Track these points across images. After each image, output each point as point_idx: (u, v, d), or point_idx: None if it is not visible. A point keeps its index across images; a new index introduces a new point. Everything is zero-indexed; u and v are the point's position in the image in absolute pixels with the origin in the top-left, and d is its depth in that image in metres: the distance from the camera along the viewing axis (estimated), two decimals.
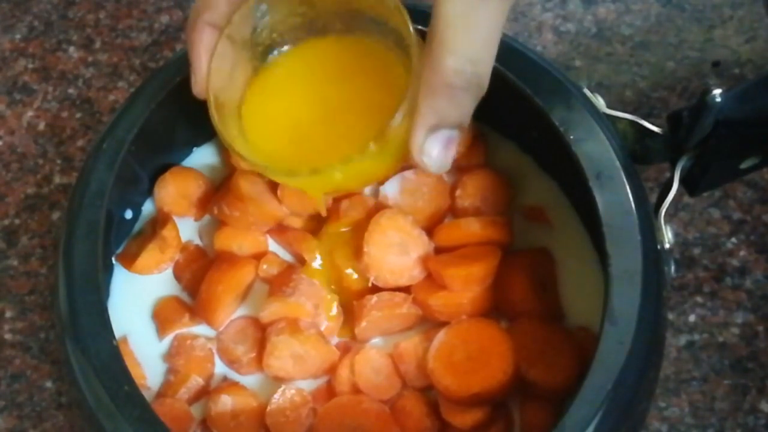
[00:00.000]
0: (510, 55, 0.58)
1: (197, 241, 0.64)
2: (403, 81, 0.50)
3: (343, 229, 0.62)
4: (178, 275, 0.63)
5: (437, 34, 0.46)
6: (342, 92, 0.53)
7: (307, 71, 0.55)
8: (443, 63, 0.46)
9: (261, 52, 0.55)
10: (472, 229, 0.60)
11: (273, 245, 0.63)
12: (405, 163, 0.52)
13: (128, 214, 0.63)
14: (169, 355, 0.60)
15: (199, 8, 0.53)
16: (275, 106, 0.54)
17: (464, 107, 0.48)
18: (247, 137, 0.53)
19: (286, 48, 0.55)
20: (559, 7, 0.76)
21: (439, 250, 0.61)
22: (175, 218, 0.63)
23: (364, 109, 0.53)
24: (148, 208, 0.64)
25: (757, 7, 0.74)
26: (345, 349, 0.60)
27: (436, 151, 0.48)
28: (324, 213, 0.59)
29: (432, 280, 0.60)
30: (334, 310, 0.60)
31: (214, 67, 0.52)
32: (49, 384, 0.65)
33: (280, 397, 0.58)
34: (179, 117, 0.62)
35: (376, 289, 0.60)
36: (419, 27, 0.48)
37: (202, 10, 0.53)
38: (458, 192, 0.62)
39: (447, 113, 0.48)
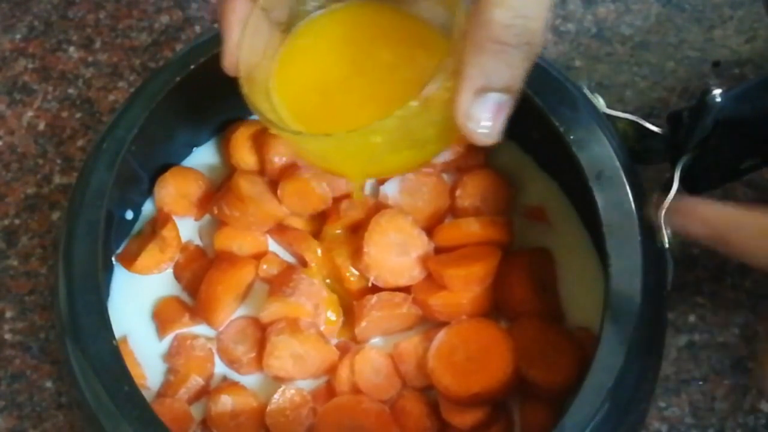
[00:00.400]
0: None
1: (197, 241, 0.64)
2: (441, 45, 0.48)
3: (343, 230, 0.62)
4: (178, 275, 0.63)
5: None
6: (378, 58, 0.51)
7: (340, 37, 0.52)
8: (491, 16, 0.43)
9: (290, 19, 0.52)
10: (472, 229, 0.60)
11: (273, 245, 0.63)
12: (452, 140, 0.49)
13: (129, 215, 0.63)
14: (169, 355, 0.60)
15: None
16: (305, 76, 0.52)
17: (515, 68, 0.44)
18: (277, 113, 0.50)
19: (315, 14, 0.52)
20: (559, 7, 0.76)
21: (439, 250, 0.61)
22: (175, 218, 0.63)
23: (404, 77, 0.49)
24: (148, 208, 0.64)
25: (757, 7, 0.74)
26: (345, 349, 0.60)
27: (484, 117, 0.44)
28: (361, 199, 0.57)
29: (432, 280, 0.60)
30: (333, 316, 0.60)
31: (246, 41, 0.49)
32: (49, 384, 0.65)
33: (280, 397, 0.58)
34: (179, 117, 0.62)
35: (376, 289, 0.60)
36: None
37: None
38: (458, 192, 0.62)
39: (495, 74, 0.44)
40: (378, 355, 0.59)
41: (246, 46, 0.49)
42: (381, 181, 0.63)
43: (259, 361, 0.59)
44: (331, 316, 0.60)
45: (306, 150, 0.51)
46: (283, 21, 0.51)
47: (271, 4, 0.50)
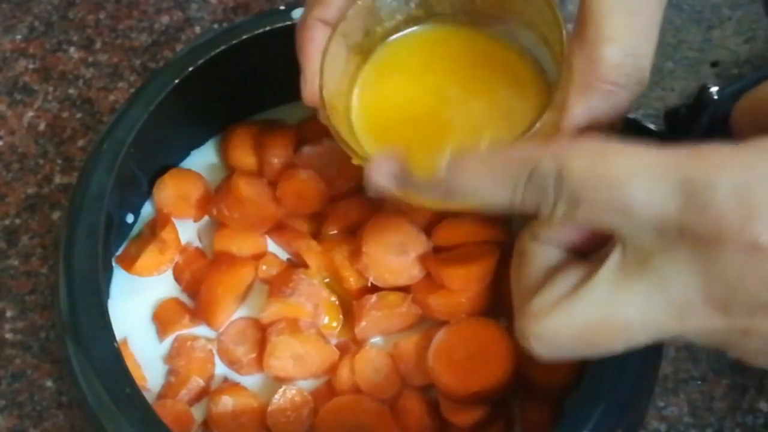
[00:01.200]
0: None
1: (197, 243, 0.64)
2: (531, 73, 0.47)
3: (342, 230, 0.62)
4: (177, 277, 0.63)
5: (594, 19, 0.41)
6: (467, 87, 0.49)
7: (423, 64, 0.51)
8: (603, 54, 0.41)
9: (369, 48, 0.51)
10: (470, 228, 0.60)
11: (272, 246, 0.64)
12: None
13: (129, 218, 0.63)
14: (170, 357, 0.60)
15: (310, 4, 0.49)
16: (389, 106, 0.50)
17: (621, 108, 0.43)
18: (360, 144, 0.49)
19: (392, 39, 0.51)
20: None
21: (437, 249, 0.61)
22: (174, 220, 0.63)
23: (496, 108, 0.48)
24: (147, 209, 0.65)
25: (756, 8, 0.74)
26: (345, 349, 0.60)
27: None
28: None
29: (431, 280, 0.60)
30: (334, 323, 0.61)
31: (327, 70, 0.47)
32: (49, 383, 0.65)
33: (281, 398, 0.58)
34: (178, 118, 0.62)
35: (375, 289, 0.60)
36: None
37: (314, 5, 0.49)
38: None
39: (602, 114, 0.43)
40: (378, 355, 0.59)
41: (327, 75, 0.47)
42: None
43: (259, 362, 0.59)
44: (332, 323, 0.60)
45: None
46: (357, 42, 0.50)
47: (350, 30, 0.48)
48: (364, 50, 0.51)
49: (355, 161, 0.47)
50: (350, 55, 0.50)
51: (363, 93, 0.50)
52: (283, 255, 0.63)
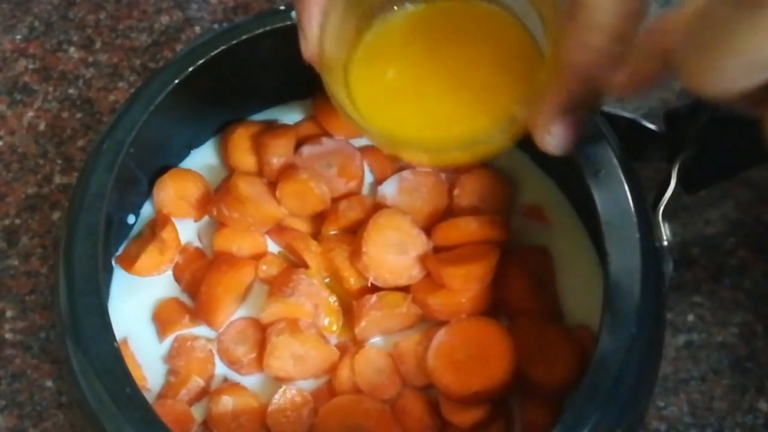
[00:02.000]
0: None
1: (196, 243, 0.64)
2: (521, 38, 0.48)
3: (341, 230, 0.63)
4: (177, 277, 0.63)
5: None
6: (463, 54, 0.50)
7: (422, 33, 0.52)
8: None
9: (369, 8, 0.51)
10: (470, 228, 0.60)
11: (272, 246, 0.64)
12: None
13: (130, 219, 0.63)
14: (170, 357, 0.60)
15: None
16: (388, 70, 0.51)
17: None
18: (356, 104, 0.50)
19: (395, 8, 0.52)
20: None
21: (437, 250, 0.61)
22: (174, 220, 0.63)
23: (490, 72, 0.49)
24: (147, 210, 0.65)
25: None
26: (345, 349, 0.60)
27: (560, 130, 0.45)
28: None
29: (431, 280, 0.60)
30: (334, 326, 0.61)
31: (329, 30, 0.48)
32: (49, 383, 0.65)
33: (281, 398, 0.58)
34: (178, 118, 0.62)
35: (375, 289, 0.60)
36: None
37: None
38: (456, 191, 0.62)
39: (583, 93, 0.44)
40: (378, 355, 0.59)
41: (328, 35, 0.48)
42: (379, 181, 0.63)
43: (259, 362, 0.59)
44: (332, 324, 0.60)
45: (392, 145, 0.50)
46: (358, 4, 0.50)
47: None
48: (365, 13, 0.51)
49: (350, 125, 0.48)
50: (349, 16, 0.50)
51: (362, 62, 0.51)
52: (283, 255, 0.63)
